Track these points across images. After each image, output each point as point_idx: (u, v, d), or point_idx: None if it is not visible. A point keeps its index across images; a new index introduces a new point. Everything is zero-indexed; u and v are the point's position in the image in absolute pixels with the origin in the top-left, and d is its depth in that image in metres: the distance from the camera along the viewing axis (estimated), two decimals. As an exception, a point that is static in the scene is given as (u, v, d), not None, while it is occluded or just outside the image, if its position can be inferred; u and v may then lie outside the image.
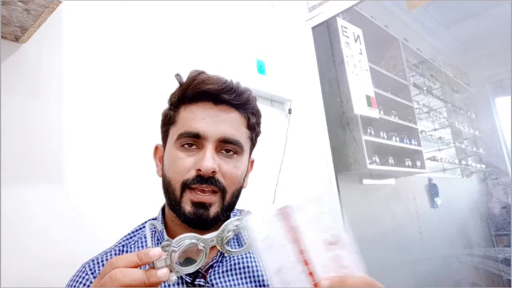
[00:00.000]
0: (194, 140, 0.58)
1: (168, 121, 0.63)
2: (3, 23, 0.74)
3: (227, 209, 0.60)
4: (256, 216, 0.44)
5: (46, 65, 0.87)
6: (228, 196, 0.59)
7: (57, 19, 0.90)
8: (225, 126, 0.59)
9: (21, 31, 0.78)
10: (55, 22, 0.89)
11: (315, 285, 0.40)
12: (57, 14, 0.87)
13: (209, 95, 0.59)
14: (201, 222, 0.57)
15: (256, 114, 0.65)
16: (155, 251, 0.40)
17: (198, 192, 0.57)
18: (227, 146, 0.59)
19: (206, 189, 0.57)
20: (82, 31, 0.96)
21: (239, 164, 0.61)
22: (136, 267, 0.41)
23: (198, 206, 0.56)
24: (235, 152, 0.60)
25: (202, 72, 0.62)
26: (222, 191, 0.58)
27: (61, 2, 0.72)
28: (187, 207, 0.57)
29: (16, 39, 0.81)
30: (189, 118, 0.59)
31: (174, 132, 0.61)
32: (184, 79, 0.62)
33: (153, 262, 0.41)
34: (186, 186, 0.57)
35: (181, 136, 0.59)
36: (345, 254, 0.42)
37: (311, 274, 0.41)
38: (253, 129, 0.65)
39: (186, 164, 0.57)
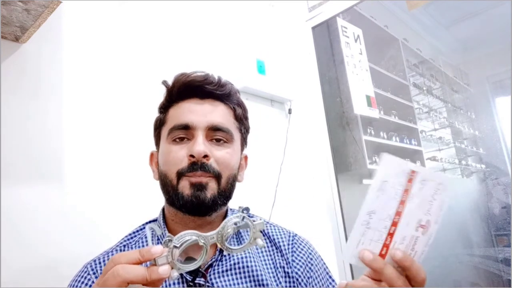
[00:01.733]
0: (184, 132, 0.60)
1: (159, 124, 0.66)
2: (3, 23, 0.74)
3: (224, 196, 0.61)
4: (393, 158, 0.44)
5: (46, 65, 0.87)
6: (223, 181, 0.60)
7: (57, 19, 0.90)
8: (212, 115, 0.61)
9: (21, 31, 0.78)
10: (55, 22, 0.89)
11: (385, 245, 0.44)
12: (57, 14, 0.87)
13: (194, 90, 0.62)
14: (199, 205, 0.58)
15: (241, 106, 0.68)
16: (157, 249, 0.41)
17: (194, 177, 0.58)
18: (217, 133, 0.61)
19: (201, 175, 0.58)
20: (82, 31, 0.96)
21: (231, 151, 0.62)
22: (138, 264, 0.41)
23: (195, 188, 0.57)
24: (226, 140, 0.62)
25: (184, 72, 0.64)
26: (217, 176, 0.59)
27: (61, 2, 0.72)
28: (186, 191, 0.58)
29: (16, 39, 0.81)
30: (177, 114, 0.62)
31: (165, 130, 0.63)
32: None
33: (154, 260, 0.41)
34: (181, 174, 0.58)
35: (172, 130, 0.61)
36: (421, 241, 0.45)
37: (390, 235, 0.44)
38: (241, 120, 0.67)
39: (179, 155, 0.59)
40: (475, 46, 2.30)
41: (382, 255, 0.43)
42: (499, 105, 2.09)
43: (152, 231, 0.64)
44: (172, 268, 0.42)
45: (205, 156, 0.57)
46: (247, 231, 0.64)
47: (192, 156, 0.57)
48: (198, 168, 0.57)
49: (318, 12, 1.75)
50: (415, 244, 0.44)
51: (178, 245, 0.43)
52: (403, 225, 0.44)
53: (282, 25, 1.67)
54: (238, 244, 0.63)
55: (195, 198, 0.57)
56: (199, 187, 0.57)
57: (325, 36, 1.85)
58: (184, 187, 0.58)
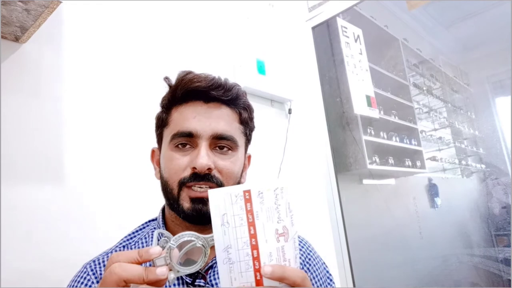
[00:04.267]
0: (187, 140, 0.59)
1: (161, 124, 0.64)
2: (3, 23, 0.74)
3: None
4: (219, 191, 0.44)
5: (46, 65, 0.88)
6: None
7: (57, 19, 0.90)
8: (217, 122, 0.59)
9: (21, 31, 0.78)
10: (55, 22, 0.89)
11: (257, 270, 0.43)
12: (57, 14, 0.87)
13: (199, 93, 0.60)
14: (200, 217, 0.57)
15: (248, 108, 0.66)
16: (155, 249, 0.41)
17: (195, 189, 0.57)
18: (221, 142, 0.60)
19: (203, 186, 0.57)
20: (82, 31, 0.96)
21: (235, 160, 0.61)
22: (136, 264, 0.41)
23: (196, 202, 0.57)
24: (230, 148, 0.61)
25: (190, 72, 0.62)
26: (220, 186, 0.58)
27: (61, 2, 0.72)
28: (186, 204, 0.57)
29: (16, 39, 0.81)
30: (181, 118, 0.60)
31: (167, 134, 0.62)
32: (173, 81, 0.63)
33: (153, 261, 0.41)
34: (183, 184, 0.57)
35: (175, 136, 0.59)
36: (289, 247, 0.44)
37: (256, 259, 0.43)
38: (246, 123, 0.65)
39: (181, 164, 0.58)
40: (475, 46, 2.30)
41: (259, 281, 0.43)
42: (499, 105, 2.09)
43: (160, 236, 0.63)
44: (170, 270, 0.41)
45: (208, 168, 0.57)
46: None
47: (194, 168, 0.57)
48: (200, 179, 0.57)
49: (318, 12, 1.75)
50: (284, 253, 0.44)
51: (174, 246, 0.42)
52: (263, 244, 0.43)
53: (282, 25, 1.67)
54: None
55: (196, 212, 0.57)
56: (200, 201, 0.57)
57: (325, 36, 1.85)
58: (184, 199, 0.57)
